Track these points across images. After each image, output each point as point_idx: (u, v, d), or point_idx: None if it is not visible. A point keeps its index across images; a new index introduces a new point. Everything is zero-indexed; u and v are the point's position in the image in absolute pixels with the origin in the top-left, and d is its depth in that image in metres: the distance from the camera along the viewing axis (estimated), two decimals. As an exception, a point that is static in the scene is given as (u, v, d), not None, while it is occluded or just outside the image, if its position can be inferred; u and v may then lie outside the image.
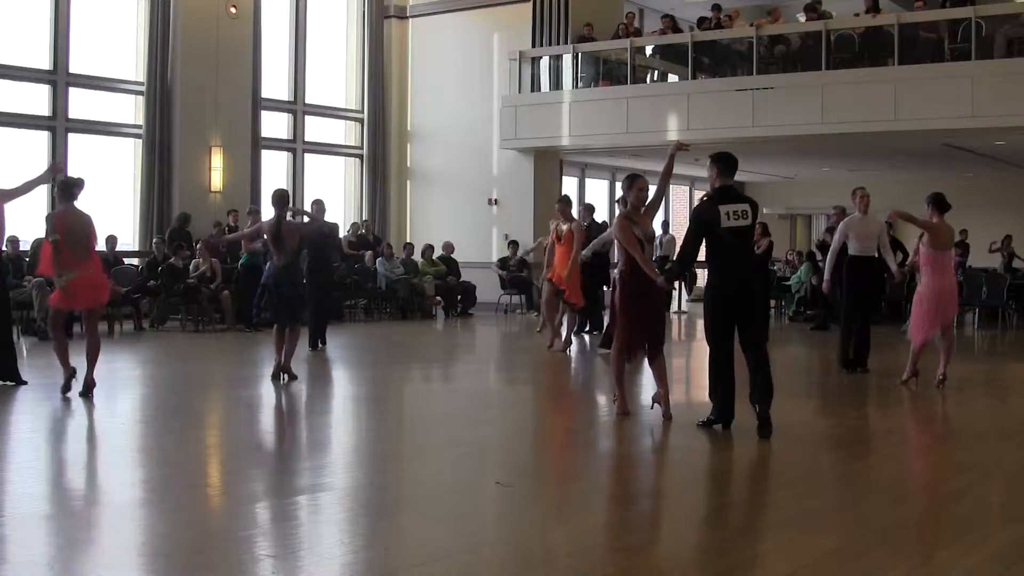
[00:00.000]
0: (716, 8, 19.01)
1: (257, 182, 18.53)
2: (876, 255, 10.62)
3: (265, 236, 10.17)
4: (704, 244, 7.34)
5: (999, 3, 16.54)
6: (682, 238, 7.67)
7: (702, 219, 7.26)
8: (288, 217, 10.19)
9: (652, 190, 8.06)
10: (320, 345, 12.43)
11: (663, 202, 9.58)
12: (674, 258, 13.70)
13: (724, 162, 7.35)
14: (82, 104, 16.91)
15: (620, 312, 7.70)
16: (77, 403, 9.14)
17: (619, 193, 8.04)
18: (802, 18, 17.82)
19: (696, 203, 7.49)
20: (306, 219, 12.35)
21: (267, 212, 11.57)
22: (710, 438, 7.29)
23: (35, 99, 16.46)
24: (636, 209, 7.73)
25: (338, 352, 12.66)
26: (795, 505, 5.62)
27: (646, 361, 7.93)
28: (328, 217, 13.48)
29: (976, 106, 15.39)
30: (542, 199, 19.21)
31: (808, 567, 4.50)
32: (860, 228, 10.45)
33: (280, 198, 10.03)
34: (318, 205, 12.74)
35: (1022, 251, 19.29)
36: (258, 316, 9.95)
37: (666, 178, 7.99)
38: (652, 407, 7.91)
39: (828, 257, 10.82)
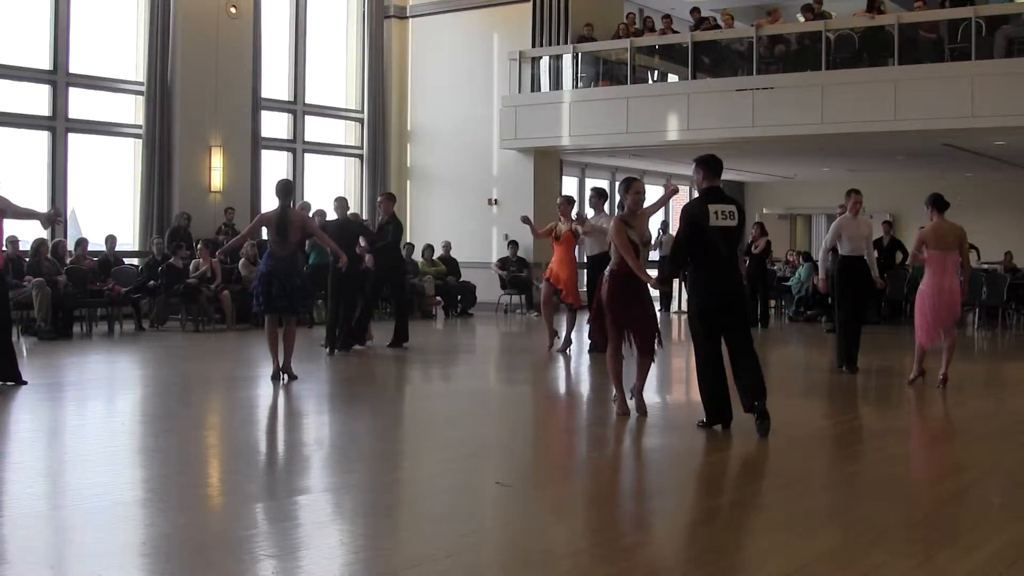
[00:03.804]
0: (695, 10, 19.14)
1: (257, 182, 18.54)
2: (865, 255, 10.72)
3: (265, 227, 10.10)
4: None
5: (999, 3, 16.53)
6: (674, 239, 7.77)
7: (693, 218, 7.34)
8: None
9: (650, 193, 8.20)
10: (360, 345, 12.38)
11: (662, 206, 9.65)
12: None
13: (709, 164, 7.46)
14: (82, 104, 16.91)
15: (608, 311, 7.79)
16: (77, 403, 9.16)
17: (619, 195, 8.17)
18: (801, 19, 17.82)
19: (685, 204, 7.62)
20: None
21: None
22: (709, 438, 7.29)
23: (35, 99, 16.46)
24: (632, 212, 7.80)
25: (338, 352, 12.64)
26: (794, 505, 5.62)
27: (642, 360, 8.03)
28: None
29: (976, 106, 15.38)
30: (542, 199, 19.22)
31: (807, 567, 4.50)
32: (852, 228, 10.58)
33: (284, 188, 9.99)
34: (340, 203, 12.56)
35: (1022, 251, 19.29)
36: (260, 306, 9.83)
37: (657, 207, 8.46)
38: (630, 397, 8.04)
39: (820, 255, 11.07)
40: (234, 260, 16.48)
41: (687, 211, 7.46)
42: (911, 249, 10.18)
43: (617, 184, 8.40)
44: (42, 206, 15.31)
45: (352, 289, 12.40)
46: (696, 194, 7.62)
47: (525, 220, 13.09)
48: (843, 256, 10.63)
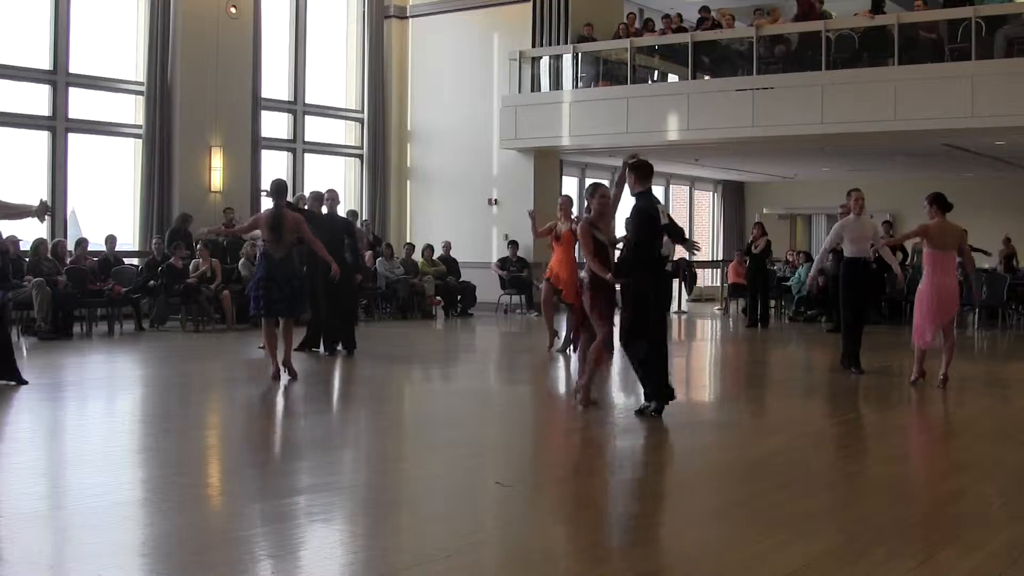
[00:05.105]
0: (705, 9, 19.07)
1: (257, 182, 18.51)
2: (870, 256, 10.69)
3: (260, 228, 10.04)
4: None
5: (999, 3, 16.53)
6: (628, 236, 8.12)
7: (651, 215, 7.86)
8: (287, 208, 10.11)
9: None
10: (343, 350, 12.15)
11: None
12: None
13: (642, 170, 8.02)
14: (82, 104, 16.90)
15: (592, 312, 8.15)
16: (77, 403, 9.16)
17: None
18: (794, 8, 17.78)
19: (634, 205, 7.94)
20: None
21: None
22: (709, 438, 7.30)
23: (35, 99, 16.45)
24: (600, 216, 8.20)
25: (338, 352, 12.64)
26: (795, 505, 5.62)
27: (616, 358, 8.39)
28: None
29: (976, 106, 15.38)
30: (542, 199, 19.21)
31: (808, 567, 4.50)
32: (855, 229, 10.51)
33: (278, 188, 9.95)
34: (331, 195, 12.36)
35: (1021, 253, 19.28)
36: (257, 309, 9.81)
37: (619, 188, 8.61)
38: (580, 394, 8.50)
39: (818, 255, 11.07)
40: (234, 260, 16.49)
41: (644, 211, 7.88)
42: (911, 238, 10.19)
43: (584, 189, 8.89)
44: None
45: (348, 289, 12.35)
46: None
47: (531, 214, 12.99)
48: (847, 258, 10.58)
